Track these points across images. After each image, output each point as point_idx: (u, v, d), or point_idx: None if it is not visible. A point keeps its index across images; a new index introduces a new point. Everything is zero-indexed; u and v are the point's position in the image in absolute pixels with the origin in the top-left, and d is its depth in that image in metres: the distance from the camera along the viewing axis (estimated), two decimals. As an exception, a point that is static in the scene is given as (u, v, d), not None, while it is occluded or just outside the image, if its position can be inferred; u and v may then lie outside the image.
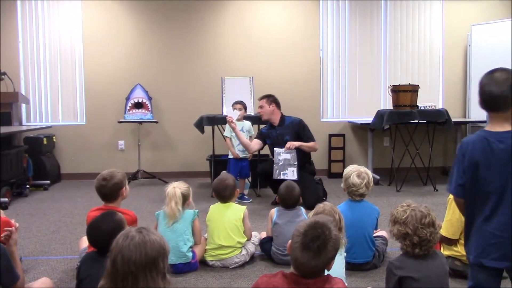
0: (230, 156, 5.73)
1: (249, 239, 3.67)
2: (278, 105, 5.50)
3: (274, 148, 5.22)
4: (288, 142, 5.18)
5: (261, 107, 5.49)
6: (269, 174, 5.27)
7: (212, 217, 3.59)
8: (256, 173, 5.71)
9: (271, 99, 5.49)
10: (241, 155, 5.67)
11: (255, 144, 5.49)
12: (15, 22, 7.20)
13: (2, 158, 5.57)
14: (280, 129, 5.43)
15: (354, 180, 3.39)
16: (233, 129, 5.35)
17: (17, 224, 3.33)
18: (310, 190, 5.08)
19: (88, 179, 7.00)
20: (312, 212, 2.88)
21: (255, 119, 6.09)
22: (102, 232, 2.37)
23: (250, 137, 5.76)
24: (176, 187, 3.43)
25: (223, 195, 3.63)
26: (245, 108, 5.84)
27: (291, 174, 5.08)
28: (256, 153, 5.95)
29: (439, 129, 6.62)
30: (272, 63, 7.42)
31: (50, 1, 7.25)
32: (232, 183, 3.67)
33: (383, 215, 3.92)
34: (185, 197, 3.45)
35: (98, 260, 2.36)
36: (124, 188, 3.22)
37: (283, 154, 5.16)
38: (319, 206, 2.85)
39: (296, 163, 5.12)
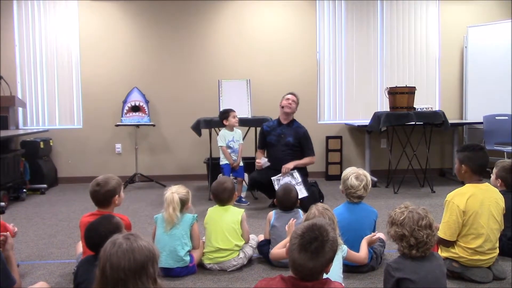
0: (222, 162, 5.70)
1: (247, 242, 3.67)
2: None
3: (272, 178, 5.14)
4: (283, 167, 5.14)
5: (293, 101, 5.44)
6: (262, 183, 5.29)
7: (210, 220, 3.59)
8: (249, 183, 5.65)
9: (299, 102, 5.53)
10: (233, 157, 5.68)
11: (260, 154, 5.55)
12: (11, 26, 7.19)
13: (-2, 162, 5.56)
14: (286, 128, 5.43)
15: (353, 182, 3.40)
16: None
17: (16, 229, 3.33)
18: (307, 191, 5.07)
19: (85, 182, 6.91)
20: (304, 217, 2.89)
21: (253, 122, 6.12)
22: (99, 235, 2.36)
23: (242, 144, 5.78)
24: (174, 193, 3.41)
25: (222, 198, 3.63)
26: None
27: (299, 194, 4.98)
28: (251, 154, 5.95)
29: (436, 130, 6.64)
30: (269, 66, 7.43)
31: (46, 5, 7.25)
32: (231, 186, 3.67)
33: (381, 217, 3.92)
34: (183, 202, 3.43)
35: (95, 264, 2.36)
36: (117, 196, 3.20)
37: (283, 179, 5.12)
38: (310, 212, 2.86)
39: (300, 180, 5.08)
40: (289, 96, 5.49)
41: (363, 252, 3.20)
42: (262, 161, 5.39)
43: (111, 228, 2.38)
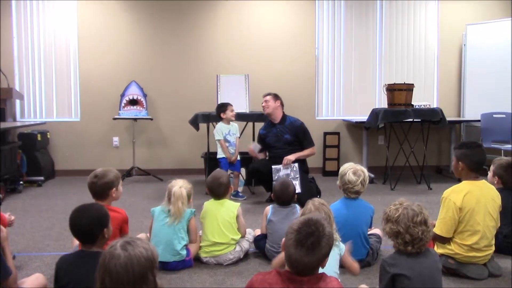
0: (220, 156, 5.70)
1: (243, 236, 3.67)
2: (282, 104, 5.58)
3: (272, 166, 5.20)
4: (284, 158, 5.19)
5: (266, 101, 5.53)
6: (262, 172, 5.30)
7: (206, 214, 3.59)
8: (248, 172, 5.67)
9: (277, 96, 5.57)
10: (231, 150, 5.68)
11: (261, 155, 5.57)
12: (10, 18, 7.16)
13: (-5, 154, 5.55)
14: (281, 127, 5.47)
15: (350, 177, 3.40)
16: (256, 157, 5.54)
17: (13, 217, 3.33)
18: (304, 187, 5.08)
19: (82, 175, 6.95)
20: (300, 213, 2.88)
21: (251, 117, 6.11)
22: (81, 226, 2.33)
23: (238, 138, 5.79)
24: (182, 187, 3.43)
25: (217, 193, 3.63)
26: None
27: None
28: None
29: (434, 128, 6.64)
30: (267, 61, 7.42)
31: (45, -3, 7.23)
32: (226, 181, 3.67)
33: (377, 213, 3.92)
34: (188, 197, 3.46)
35: (77, 263, 2.29)
36: (114, 189, 3.17)
37: (282, 171, 5.15)
38: (306, 207, 2.84)
39: (298, 176, 5.12)
40: (264, 98, 5.59)
41: (356, 265, 3.10)
42: (252, 146, 5.47)
43: (94, 216, 2.34)
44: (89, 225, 2.32)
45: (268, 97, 5.55)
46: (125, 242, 1.73)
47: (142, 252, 1.71)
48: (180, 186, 3.43)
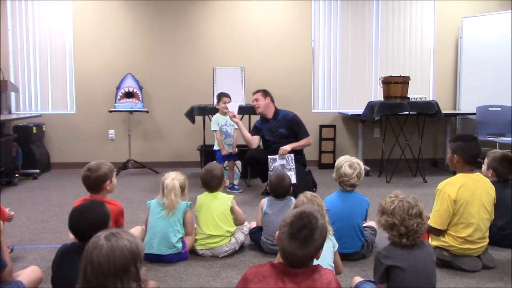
0: (217, 148, 5.70)
1: (242, 224, 3.71)
2: (272, 99, 5.52)
3: (268, 156, 5.18)
4: (280, 148, 5.17)
5: (256, 100, 5.47)
6: (258, 159, 5.30)
7: (200, 207, 3.59)
8: (245, 160, 5.66)
9: (266, 92, 5.52)
10: (228, 150, 5.66)
11: (256, 139, 5.49)
12: (4, 10, 7.11)
13: (-9, 146, 5.53)
14: (274, 122, 5.44)
15: (346, 170, 3.40)
16: (237, 123, 5.39)
17: (12, 213, 3.34)
18: (301, 180, 5.09)
19: (78, 168, 6.86)
20: (292, 206, 2.89)
21: (247, 109, 6.11)
22: (79, 226, 2.30)
23: (236, 129, 5.76)
24: (175, 179, 3.43)
25: (210, 185, 3.64)
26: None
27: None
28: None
29: (429, 120, 6.66)
30: (263, 54, 7.40)
31: (39, -12, 7.18)
32: (220, 173, 3.67)
33: (373, 206, 3.93)
34: (182, 189, 3.47)
35: (73, 259, 2.22)
36: (108, 181, 3.18)
37: (278, 161, 5.15)
38: (298, 200, 2.85)
39: (293, 166, 5.11)
40: (253, 97, 5.53)
41: (342, 266, 3.07)
42: (230, 107, 5.43)
43: (95, 217, 2.33)
44: (88, 225, 2.29)
45: (257, 95, 5.49)
46: (109, 233, 1.72)
47: (126, 244, 1.69)
48: (172, 178, 3.44)
